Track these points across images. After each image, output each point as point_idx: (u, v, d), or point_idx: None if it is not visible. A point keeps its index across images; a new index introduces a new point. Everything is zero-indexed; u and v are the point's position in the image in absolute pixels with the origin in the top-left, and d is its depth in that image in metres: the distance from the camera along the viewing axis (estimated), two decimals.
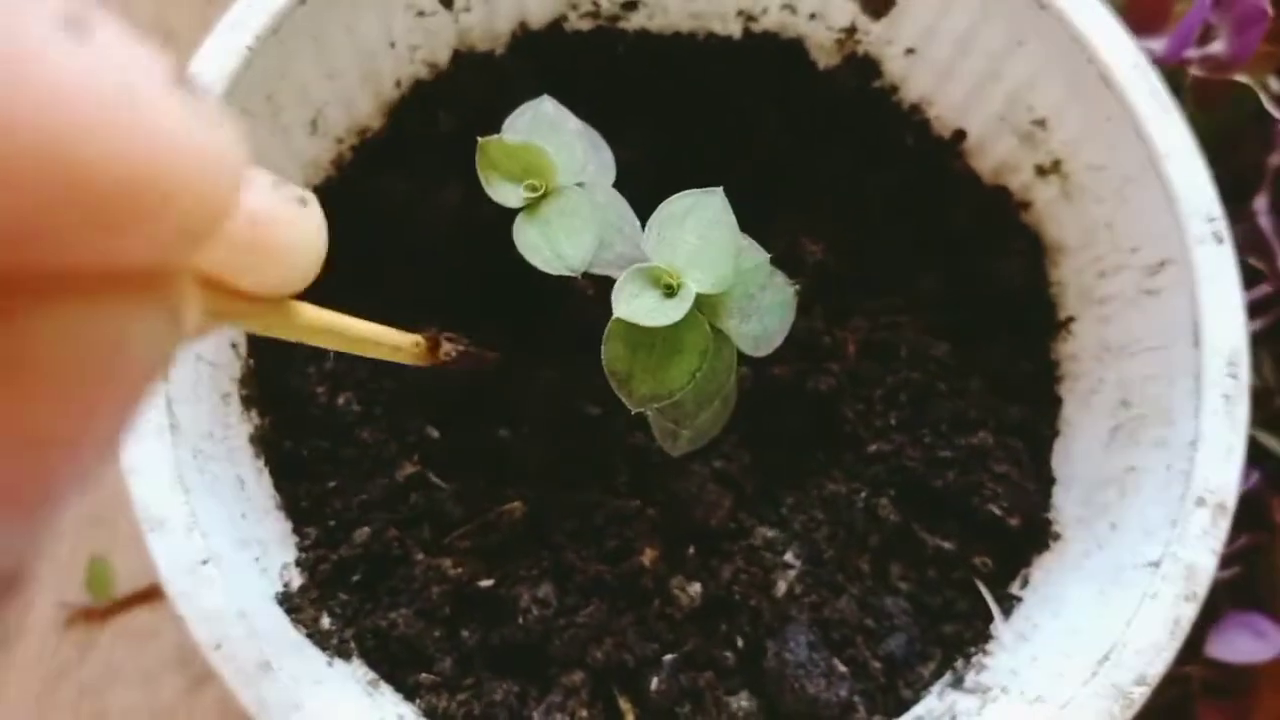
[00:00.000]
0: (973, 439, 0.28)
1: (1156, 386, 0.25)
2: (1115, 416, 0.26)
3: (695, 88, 0.31)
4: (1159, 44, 0.33)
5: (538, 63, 0.30)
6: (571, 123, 0.25)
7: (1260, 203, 0.37)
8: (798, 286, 0.25)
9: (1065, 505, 0.28)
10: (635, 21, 0.31)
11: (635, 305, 0.22)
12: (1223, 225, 0.24)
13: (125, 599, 0.35)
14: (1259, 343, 0.37)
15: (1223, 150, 0.38)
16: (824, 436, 0.29)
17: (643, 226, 0.23)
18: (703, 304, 0.23)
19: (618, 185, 0.26)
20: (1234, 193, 0.38)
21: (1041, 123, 0.28)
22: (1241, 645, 0.36)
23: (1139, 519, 0.24)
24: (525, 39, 0.30)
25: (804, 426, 0.29)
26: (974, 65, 0.28)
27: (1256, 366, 0.37)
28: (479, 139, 0.24)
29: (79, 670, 0.36)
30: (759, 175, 0.30)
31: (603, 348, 0.22)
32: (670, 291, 0.22)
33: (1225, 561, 0.36)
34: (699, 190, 0.23)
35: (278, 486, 0.27)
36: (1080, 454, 0.28)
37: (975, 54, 0.28)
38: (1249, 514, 0.37)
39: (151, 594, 0.36)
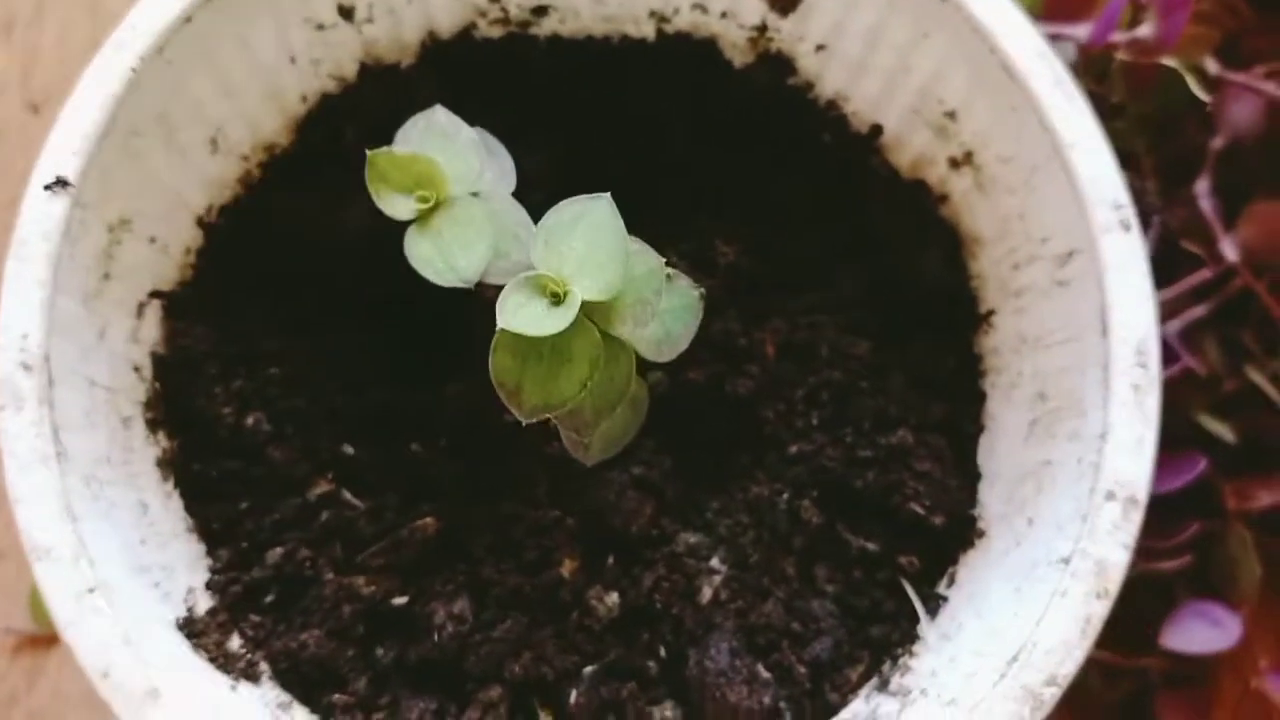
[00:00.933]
0: (893, 437, 0.27)
1: (1070, 378, 0.25)
2: (1033, 410, 0.26)
3: (610, 92, 0.31)
4: (1084, 29, 0.33)
5: (447, 72, 0.30)
6: (465, 132, 0.25)
7: (1201, 186, 0.37)
8: (702, 290, 0.25)
9: (990, 501, 0.27)
10: (546, 27, 0.31)
11: (520, 315, 0.21)
12: (1130, 213, 0.24)
13: None
14: (1204, 328, 0.37)
15: (1164, 133, 0.38)
16: (746, 439, 0.28)
17: None
18: (593, 311, 0.22)
19: (527, 193, 0.26)
20: (1176, 176, 0.38)
21: (952, 115, 0.28)
22: (1198, 635, 0.36)
23: (1053, 514, 0.24)
24: (434, 48, 0.30)
25: (725, 430, 0.29)
26: (884, 59, 0.28)
27: (1202, 351, 0.36)
28: (368, 151, 0.24)
29: (28, 698, 0.36)
30: (674, 178, 0.30)
31: (490, 359, 0.22)
32: (557, 300, 0.22)
33: (1176, 550, 0.36)
34: (587, 196, 0.23)
35: (189, 509, 0.27)
36: (1003, 449, 0.27)
37: (884, 48, 0.28)
38: (1200, 501, 0.37)
39: None
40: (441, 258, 0.23)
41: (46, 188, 0.23)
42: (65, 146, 0.23)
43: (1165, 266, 0.37)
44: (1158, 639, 0.36)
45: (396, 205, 0.24)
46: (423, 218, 0.24)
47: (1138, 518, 0.23)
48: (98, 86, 0.23)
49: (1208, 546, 0.37)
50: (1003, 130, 0.26)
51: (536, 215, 0.24)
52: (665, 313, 0.25)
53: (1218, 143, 0.38)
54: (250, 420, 0.27)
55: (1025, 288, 0.27)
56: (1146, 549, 0.36)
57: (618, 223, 0.22)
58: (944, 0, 0.25)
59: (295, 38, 0.27)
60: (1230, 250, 0.35)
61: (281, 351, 0.28)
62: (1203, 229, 0.36)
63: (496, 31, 0.31)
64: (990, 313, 0.28)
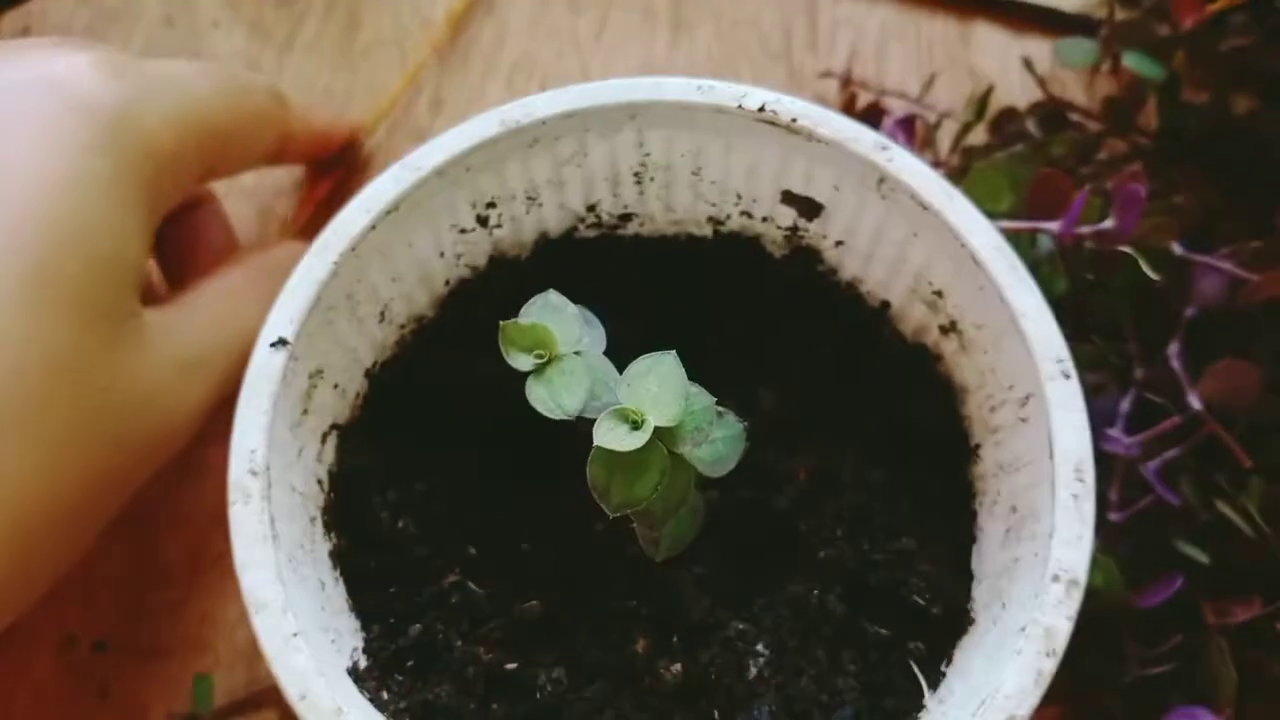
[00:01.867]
0: (900, 544, 0.35)
1: (1031, 493, 0.32)
2: (1008, 520, 0.33)
3: (680, 278, 0.40)
4: (1057, 224, 0.41)
5: (556, 263, 0.39)
6: (570, 308, 0.34)
7: (1173, 348, 0.44)
8: (746, 423, 0.33)
9: (979, 596, 0.34)
10: (630, 229, 0.40)
11: (609, 436, 0.30)
12: (1069, 364, 0.31)
13: (223, 708, 0.42)
14: (1178, 469, 0.43)
15: (1143, 304, 0.45)
16: (785, 546, 0.36)
17: None
18: (662, 434, 0.31)
19: (616, 354, 0.34)
20: (1154, 340, 0.45)
21: (939, 294, 0.36)
22: None
23: (1018, 597, 0.31)
24: (546, 245, 0.40)
25: (768, 538, 0.36)
26: (887, 252, 0.37)
27: (1177, 488, 0.43)
28: (500, 322, 0.33)
29: None
30: (728, 343, 0.39)
31: (587, 469, 0.30)
32: (636, 425, 0.30)
33: (1160, 658, 0.42)
34: (660, 352, 0.31)
35: (350, 593, 0.35)
36: (988, 553, 0.34)
37: (886, 243, 0.36)
38: (1184, 616, 0.42)
39: (245, 705, 0.43)
40: (552, 398, 0.32)
41: (271, 345, 0.32)
42: (284, 316, 0.33)
43: (1149, 416, 0.44)
44: None
45: (520, 360, 0.32)
46: (538, 370, 0.32)
47: (1078, 594, 0.29)
48: (310, 274, 0.33)
49: (1192, 657, 0.42)
50: (975, 305, 0.34)
51: (622, 369, 0.32)
52: (717, 440, 0.33)
53: (1189, 311, 0.45)
54: (400, 524, 0.36)
55: (1000, 425, 0.34)
56: (1140, 658, 0.42)
57: (680, 371, 0.31)
58: (926, 209, 0.34)
59: (445, 239, 0.37)
60: (1195, 401, 0.42)
61: (426, 472, 0.37)
62: (1174, 384, 0.43)
63: (593, 233, 0.40)
64: (978, 446, 0.36)
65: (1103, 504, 0.42)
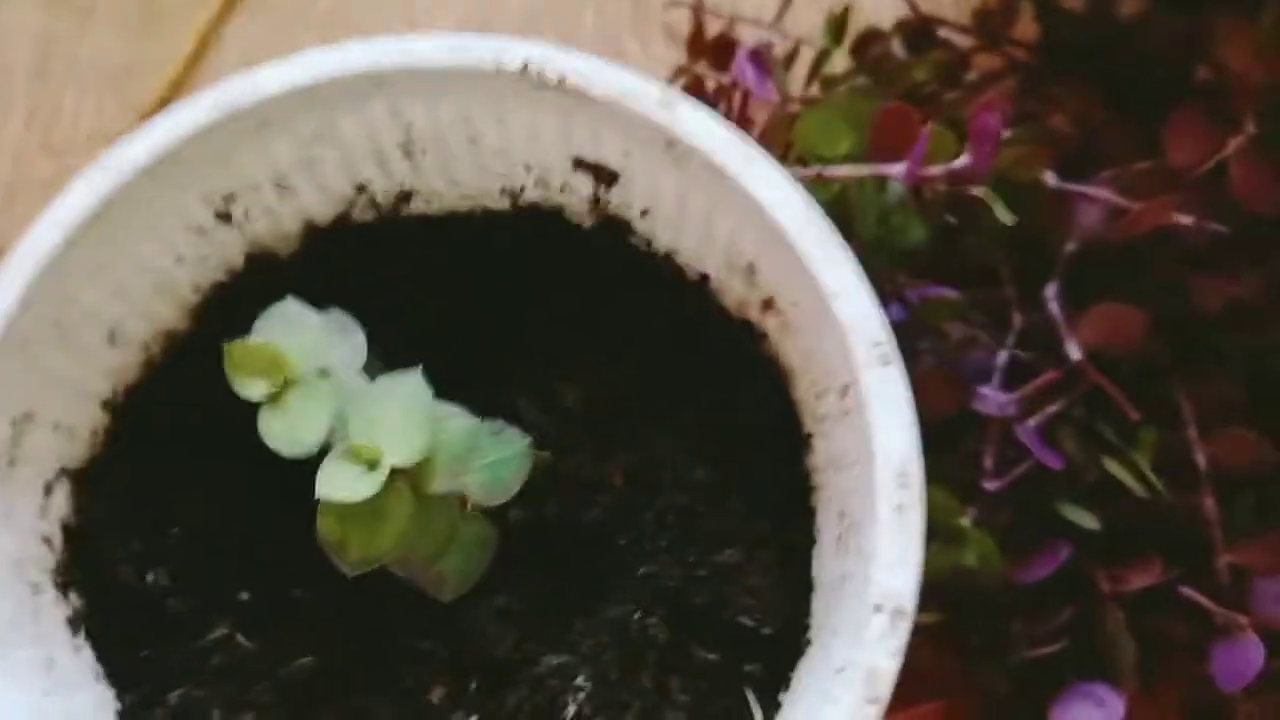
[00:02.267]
0: (724, 555, 0.30)
1: (856, 498, 0.27)
2: (839, 525, 0.29)
3: (477, 258, 0.35)
4: (902, 168, 0.36)
5: (329, 255, 0.34)
6: (312, 318, 0.28)
7: (1050, 289, 0.40)
8: (529, 438, 0.28)
9: (817, 611, 0.30)
10: (414, 208, 0.35)
11: (334, 483, 0.25)
12: (889, 349, 0.27)
13: None
14: (1060, 424, 0.39)
15: (1021, 243, 0.41)
16: (602, 563, 0.31)
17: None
18: (410, 474, 0.26)
19: (395, 361, 0.29)
20: (1033, 283, 0.41)
21: (751, 268, 0.31)
22: (1083, 714, 0.38)
23: (844, 624, 0.27)
24: (315, 235, 0.34)
25: (582, 556, 0.32)
26: (694, 221, 0.32)
27: (1060, 446, 0.39)
28: (224, 344, 0.28)
29: None
30: (534, 332, 0.34)
31: (316, 522, 0.25)
32: (372, 466, 0.25)
33: (1052, 635, 0.38)
34: (400, 371, 0.26)
35: (99, 658, 0.30)
36: (825, 561, 0.30)
37: (692, 213, 0.31)
38: (1073, 586, 0.39)
39: None
40: (288, 432, 0.27)
41: None
42: None
43: (1027, 369, 0.40)
44: None
45: (250, 389, 0.27)
46: (274, 397, 0.27)
47: (905, 626, 0.25)
48: None
49: (1087, 630, 0.38)
50: (787, 282, 0.29)
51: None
52: (494, 463, 0.28)
53: (1069, 248, 0.40)
54: (150, 577, 0.31)
55: (825, 415, 0.30)
56: (1028, 635, 0.39)
57: (425, 394, 0.26)
58: (723, 176, 0.29)
59: (178, 242, 0.32)
60: (1074, 350, 0.38)
61: (183, 514, 0.32)
62: (1052, 331, 0.39)
63: (369, 215, 0.35)
64: (809, 435, 0.31)
65: (977, 471, 0.38)
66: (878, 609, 0.25)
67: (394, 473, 0.25)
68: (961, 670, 0.40)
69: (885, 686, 0.25)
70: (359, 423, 0.26)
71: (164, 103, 0.50)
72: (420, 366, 0.26)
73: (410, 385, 0.26)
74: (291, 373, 0.27)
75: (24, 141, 0.51)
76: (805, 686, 0.28)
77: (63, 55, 0.52)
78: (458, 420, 0.27)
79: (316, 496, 0.25)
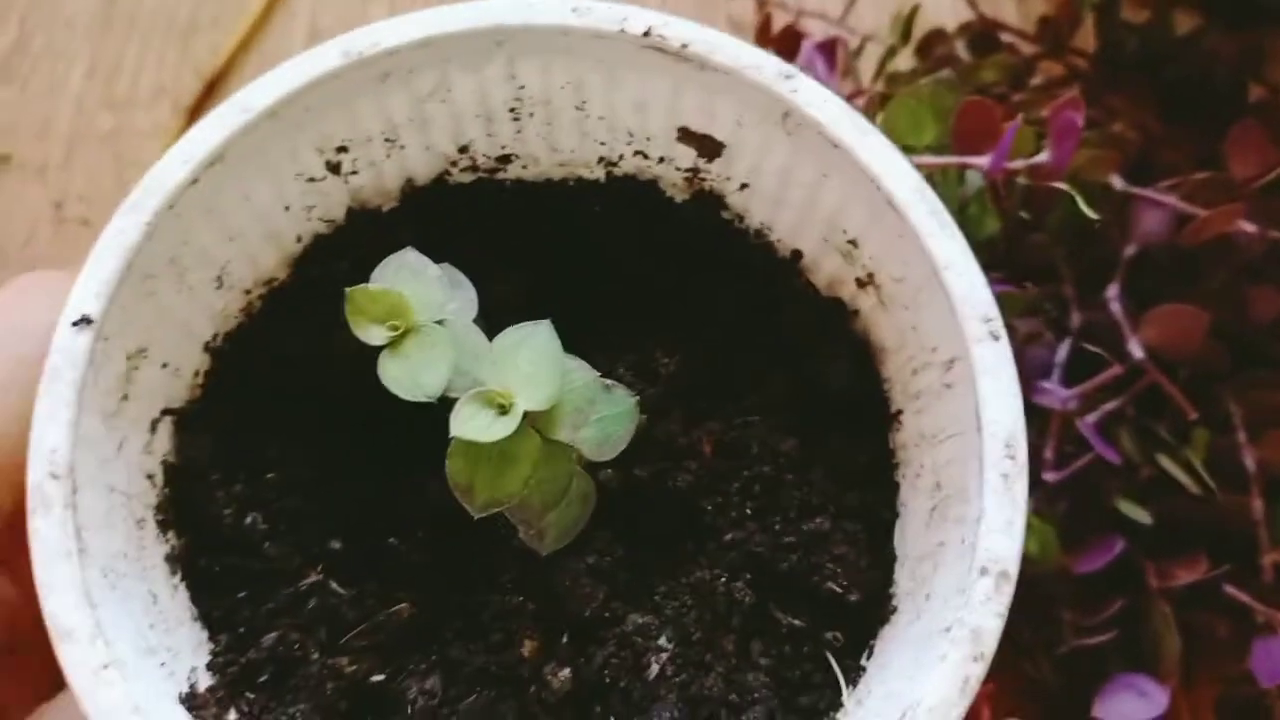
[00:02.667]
0: (813, 524, 0.31)
1: (956, 469, 0.28)
2: (933, 498, 0.30)
3: (569, 227, 0.35)
4: (987, 159, 0.37)
5: (425, 213, 0.35)
6: (431, 269, 0.29)
7: (1112, 290, 0.41)
8: (637, 397, 0.29)
9: (902, 580, 0.31)
10: (511, 172, 0.35)
11: (470, 424, 0.25)
12: (999, 324, 0.28)
13: None
14: (1118, 422, 0.40)
15: (1082, 244, 0.42)
16: (688, 528, 0.32)
17: None
18: (536, 420, 0.26)
19: (497, 317, 0.30)
20: (1093, 283, 0.42)
21: (854, 242, 0.32)
22: (1126, 706, 0.39)
23: (943, 589, 0.27)
24: (413, 194, 0.35)
25: (670, 520, 0.32)
26: (796, 196, 0.32)
27: (1117, 442, 0.40)
28: (346, 289, 0.28)
29: None
30: (625, 300, 0.34)
31: (446, 463, 0.26)
32: (504, 410, 0.26)
33: (1102, 625, 0.39)
34: (531, 323, 0.27)
35: (194, 599, 0.30)
36: (911, 533, 0.31)
37: (795, 186, 0.32)
38: (1125, 580, 0.40)
39: None
40: (409, 377, 0.27)
41: (74, 324, 0.27)
42: (89, 289, 0.28)
43: (1086, 365, 0.41)
44: (1090, 709, 0.39)
45: (371, 333, 0.28)
46: (394, 343, 0.28)
47: (1009, 589, 0.26)
48: (118, 239, 0.28)
49: (1134, 622, 0.40)
50: (893, 255, 0.30)
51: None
52: (605, 418, 0.29)
53: (1130, 251, 0.42)
54: (249, 520, 0.31)
55: (922, 390, 0.30)
56: (1077, 625, 0.40)
57: (555, 344, 0.27)
58: (836, 147, 0.29)
59: (289, 190, 0.32)
60: (1136, 349, 0.39)
61: (278, 459, 0.32)
62: (1113, 330, 0.40)
63: (467, 178, 0.35)
64: (899, 412, 0.32)
65: (1037, 463, 0.39)
66: (983, 571, 0.26)
67: (524, 418, 0.26)
68: (1010, 657, 0.41)
69: (990, 645, 0.25)
70: (491, 369, 0.26)
71: (229, 62, 0.51)
72: (549, 320, 0.27)
73: (542, 334, 0.26)
74: (411, 320, 0.28)
75: (85, 93, 0.51)
76: (895, 651, 0.29)
77: (126, 7, 0.52)
78: (581, 373, 0.27)
79: (451, 436, 0.25)
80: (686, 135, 0.33)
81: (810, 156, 0.31)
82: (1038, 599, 0.40)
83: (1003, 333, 0.28)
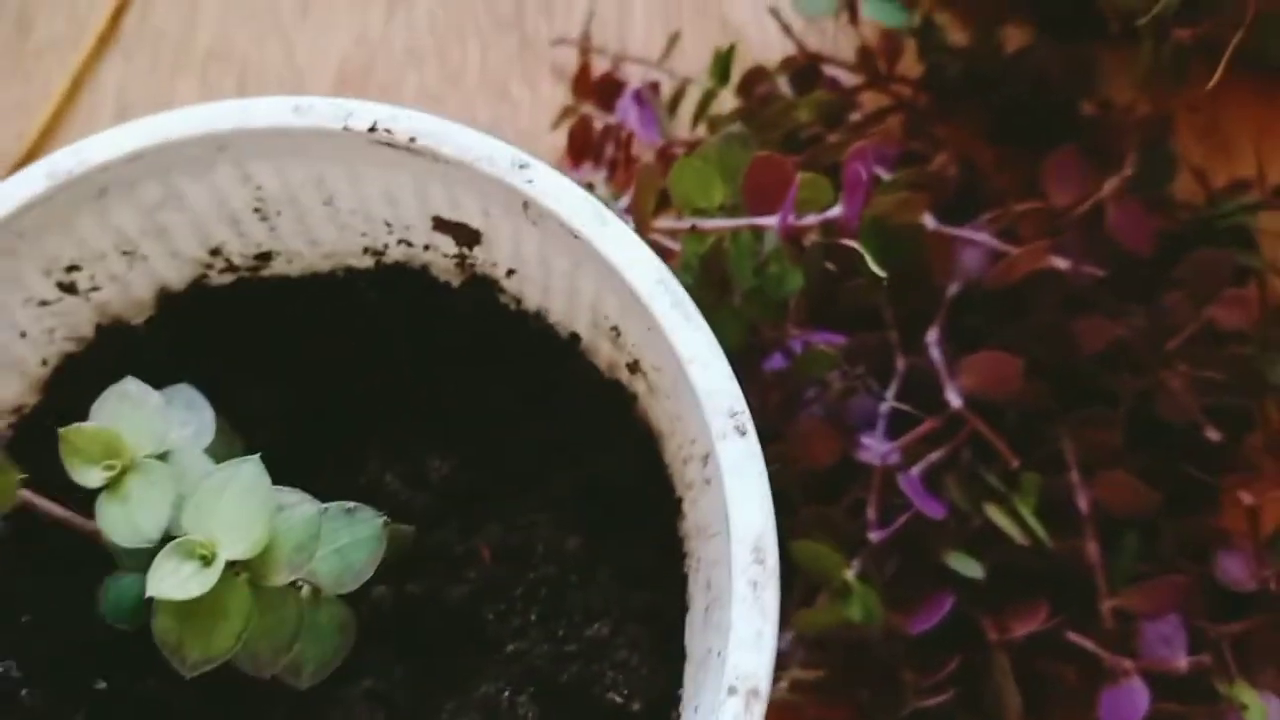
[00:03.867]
0: (593, 631, 0.29)
1: (719, 571, 0.27)
2: (707, 596, 0.28)
3: (342, 319, 0.34)
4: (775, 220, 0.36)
5: (184, 321, 0.33)
6: (154, 398, 0.27)
7: (932, 335, 0.39)
8: (385, 518, 0.27)
9: (688, 682, 0.29)
10: (275, 268, 0.34)
11: (166, 581, 0.24)
12: (745, 418, 0.26)
13: None
14: (944, 471, 0.39)
15: (904, 288, 0.40)
16: (471, 640, 0.30)
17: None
18: (249, 566, 0.25)
19: (256, 432, 0.28)
20: (918, 327, 0.40)
21: (616, 329, 0.30)
22: None
23: (705, 704, 0.26)
24: (170, 300, 0.33)
25: (450, 634, 0.31)
26: (559, 282, 0.31)
27: (945, 493, 0.38)
28: (59, 430, 0.26)
29: None
30: (398, 400, 0.33)
31: (151, 622, 0.24)
32: (206, 561, 0.24)
33: (943, 684, 0.37)
34: (238, 460, 0.25)
35: None
36: (696, 629, 0.29)
37: (556, 273, 0.31)
38: (960, 635, 0.38)
39: None
40: (126, 521, 0.26)
41: None
42: None
43: (911, 415, 0.39)
44: None
45: (88, 475, 0.26)
46: (113, 484, 0.26)
47: (760, 708, 0.24)
48: None
49: (976, 678, 0.38)
50: (647, 345, 0.29)
51: (265, 451, 0.26)
52: (343, 547, 0.27)
53: (952, 290, 0.40)
54: (2, 668, 0.29)
55: (691, 482, 0.29)
56: (917, 687, 0.38)
57: (264, 482, 0.25)
58: (577, 237, 0.28)
59: (20, 316, 0.30)
60: (954, 397, 0.38)
61: (32, 603, 0.30)
62: (933, 377, 0.39)
63: (228, 278, 0.33)
64: (680, 499, 0.31)
65: (861, 522, 0.38)
66: (732, 691, 0.24)
67: (231, 566, 0.24)
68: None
69: None
70: (194, 515, 0.24)
71: (36, 148, 0.49)
72: (258, 454, 0.25)
73: (247, 473, 0.25)
74: (129, 458, 0.26)
75: None
76: None
77: None
78: (301, 507, 0.25)
79: (147, 595, 0.24)
80: (441, 224, 0.31)
81: (558, 246, 0.29)
82: (874, 663, 0.38)
83: (749, 426, 0.26)
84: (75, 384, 0.32)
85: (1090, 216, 0.40)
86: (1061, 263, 0.38)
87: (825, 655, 0.38)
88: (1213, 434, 0.38)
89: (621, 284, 0.28)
